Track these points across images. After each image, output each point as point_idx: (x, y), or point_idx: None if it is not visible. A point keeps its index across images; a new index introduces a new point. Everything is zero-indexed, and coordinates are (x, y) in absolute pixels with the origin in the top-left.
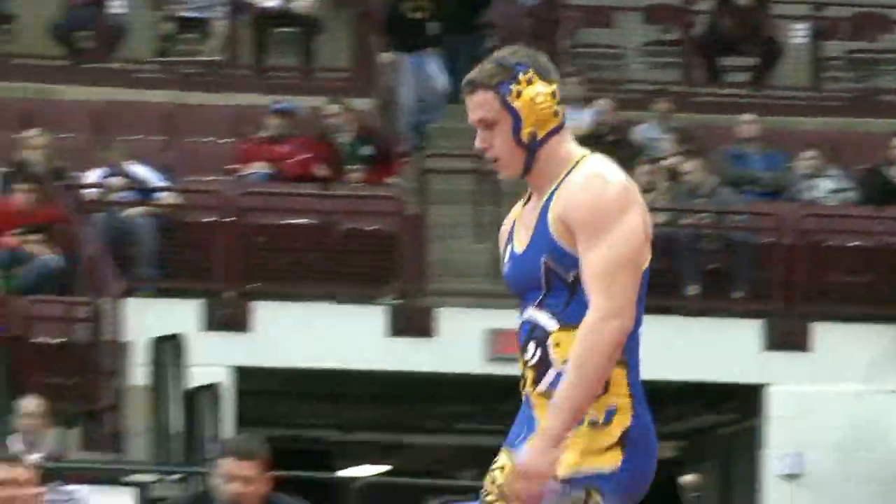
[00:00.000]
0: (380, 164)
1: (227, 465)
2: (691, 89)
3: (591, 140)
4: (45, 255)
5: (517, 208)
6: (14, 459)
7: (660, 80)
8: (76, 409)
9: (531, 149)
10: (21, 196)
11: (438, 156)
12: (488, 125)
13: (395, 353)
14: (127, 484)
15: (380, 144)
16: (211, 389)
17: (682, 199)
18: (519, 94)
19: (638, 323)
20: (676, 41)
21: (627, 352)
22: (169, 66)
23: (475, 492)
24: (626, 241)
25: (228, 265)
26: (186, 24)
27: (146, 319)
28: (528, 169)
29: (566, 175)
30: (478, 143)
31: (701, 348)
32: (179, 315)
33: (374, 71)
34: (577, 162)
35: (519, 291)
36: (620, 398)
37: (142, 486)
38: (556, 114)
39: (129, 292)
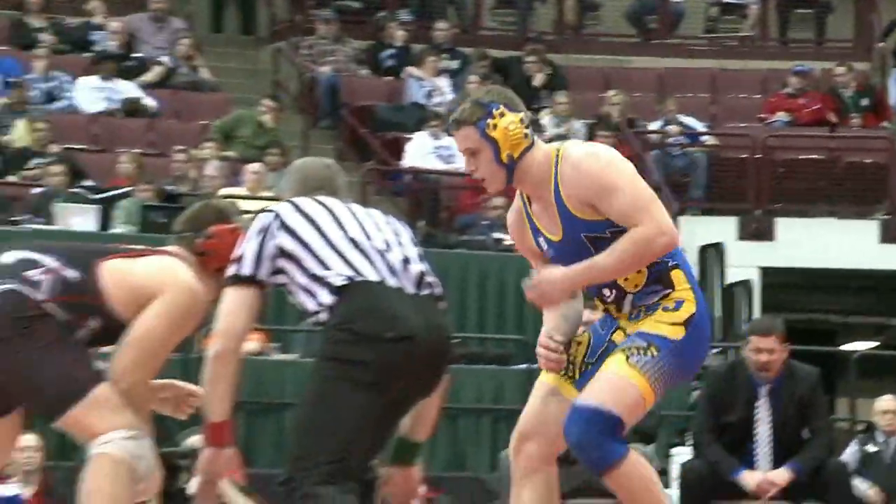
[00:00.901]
0: (874, 112)
1: (755, 340)
2: None
3: None
4: None
5: (517, 207)
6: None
7: None
8: None
9: (509, 167)
10: (604, 141)
11: None
12: (473, 153)
13: (885, 256)
14: None
15: (874, 97)
16: (744, 284)
17: None
18: (494, 127)
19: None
20: None
21: (679, 258)
22: (714, 41)
23: None
24: (637, 180)
25: (758, 190)
26: (728, 8)
27: (695, 232)
28: (508, 182)
29: (556, 170)
30: (465, 168)
31: None
32: (720, 228)
33: (872, 42)
34: (557, 155)
35: (569, 264)
36: (685, 291)
37: None
38: (525, 136)
39: (683, 211)
